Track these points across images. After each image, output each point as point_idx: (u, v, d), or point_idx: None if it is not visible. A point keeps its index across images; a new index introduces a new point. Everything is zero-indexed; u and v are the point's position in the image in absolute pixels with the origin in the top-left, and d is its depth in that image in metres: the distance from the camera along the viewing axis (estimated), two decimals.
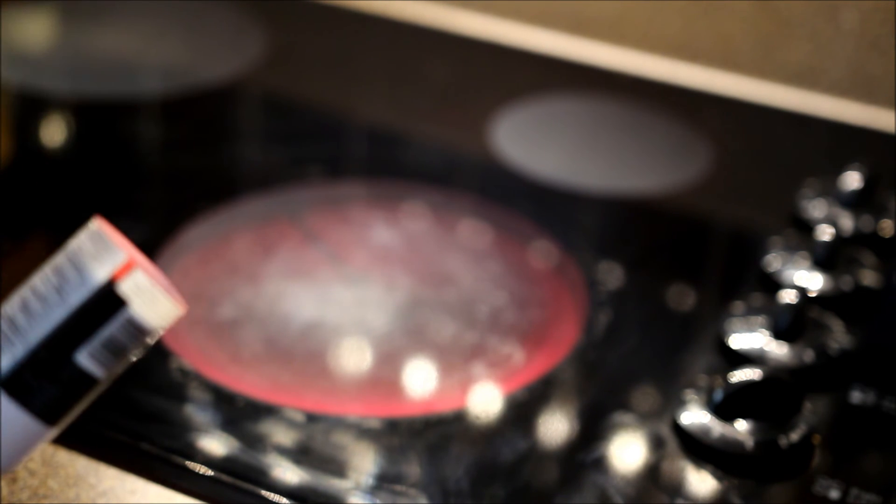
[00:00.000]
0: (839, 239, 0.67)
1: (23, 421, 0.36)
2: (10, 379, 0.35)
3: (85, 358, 0.36)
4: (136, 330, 0.37)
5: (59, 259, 0.36)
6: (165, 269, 0.67)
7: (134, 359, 0.37)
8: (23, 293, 0.36)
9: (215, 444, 0.56)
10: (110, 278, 0.36)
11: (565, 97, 0.89)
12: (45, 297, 0.36)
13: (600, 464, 0.55)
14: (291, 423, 0.57)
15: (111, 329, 0.36)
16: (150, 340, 0.38)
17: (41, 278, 0.36)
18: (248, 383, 0.59)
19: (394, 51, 0.94)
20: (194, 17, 0.97)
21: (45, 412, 0.37)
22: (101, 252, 0.36)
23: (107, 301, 0.36)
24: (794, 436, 0.56)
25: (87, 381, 0.37)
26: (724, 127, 0.86)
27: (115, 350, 0.37)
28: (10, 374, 0.35)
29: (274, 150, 0.82)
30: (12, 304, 0.36)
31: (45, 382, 0.36)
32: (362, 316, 0.66)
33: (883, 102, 0.87)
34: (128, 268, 0.36)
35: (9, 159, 0.79)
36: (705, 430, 0.56)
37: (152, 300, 0.36)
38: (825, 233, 0.67)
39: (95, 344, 0.36)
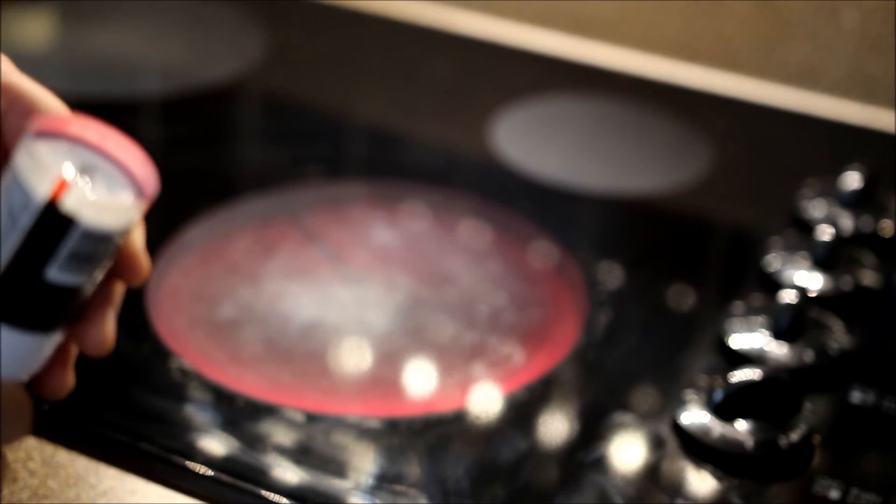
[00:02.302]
0: (839, 239, 0.67)
1: (19, 338, 0.36)
2: None
3: (56, 274, 0.36)
4: (99, 237, 0.36)
5: (6, 178, 0.35)
6: (165, 270, 0.67)
7: (114, 251, 0.37)
8: None
9: (215, 444, 0.56)
10: (50, 198, 0.35)
11: (565, 97, 0.89)
12: (1, 222, 0.35)
13: (600, 464, 0.55)
14: (291, 423, 0.57)
15: (70, 244, 0.35)
16: (121, 237, 0.37)
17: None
18: (248, 383, 0.59)
19: (394, 51, 0.94)
20: (194, 17, 0.97)
21: (38, 325, 0.37)
22: (38, 168, 0.35)
23: (55, 221, 0.35)
24: (794, 436, 0.56)
25: (69, 289, 0.36)
26: (724, 127, 0.86)
27: (84, 259, 0.36)
28: None
29: (274, 150, 0.82)
30: None
31: (25, 303, 0.36)
32: (362, 316, 0.66)
33: (883, 102, 0.87)
34: (65, 185, 0.34)
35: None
36: (705, 430, 0.56)
37: (105, 206, 0.35)
38: (825, 233, 0.67)
39: (61, 260, 0.36)
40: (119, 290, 0.43)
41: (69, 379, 0.44)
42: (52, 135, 0.36)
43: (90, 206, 0.35)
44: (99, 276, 0.37)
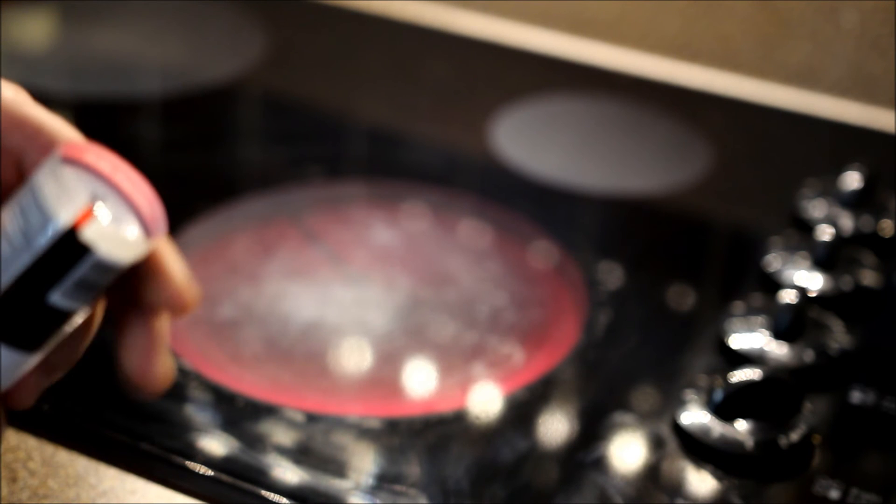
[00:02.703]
0: (839, 239, 0.67)
1: (5, 355, 0.37)
2: None
3: (58, 298, 0.36)
4: (106, 269, 0.37)
5: (25, 197, 0.36)
6: None
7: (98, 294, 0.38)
8: None
9: (215, 444, 0.56)
10: (72, 225, 0.35)
11: (565, 97, 0.89)
12: (12, 240, 0.35)
13: (600, 464, 0.55)
14: (291, 423, 0.57)
15: (80, 272, 0.36)
16: (124, 270, 0.38)
17: (9, 218, 0.36)
18: (248, 383, 0.59)
19: (394, 51, 0.94)
20: (194, 17, 0.97)
21: (26, 345, 0.37)
22: (63, 193, 0.35)
23: (71, 248, 0.35)
24: (794, 436, 0.56)
25: (65, 315, 0.37)
26: (724, 127, 0.86)
27: (88, 287, 0.37)
28: None
29: (274, 150, 0.82)
30: None
31: (20, 322, 0.36)
32: (362, 316, 0.66)
33: (883, 102, 0.87)
34: (89, 214, 0.35)
35: None
36: (705, 430, 0.56)
37: (118, 240, 0.36)
38: (825, 233, 0.67)
39: (67, 285, 0.36)
40: (165, 326, 0.43)
41: (35, 393, 0.43)
42: (73, 161, 0.37)
43: (107, 237, 0.36)
44: (94, 303, 0.38)
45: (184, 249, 0.68)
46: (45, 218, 0.35)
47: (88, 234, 0.36)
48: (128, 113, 0.83)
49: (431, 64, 0.93)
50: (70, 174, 0.36)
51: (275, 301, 0.66)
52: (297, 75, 0.91)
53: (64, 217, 0.35)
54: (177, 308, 0.42)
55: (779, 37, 0.90)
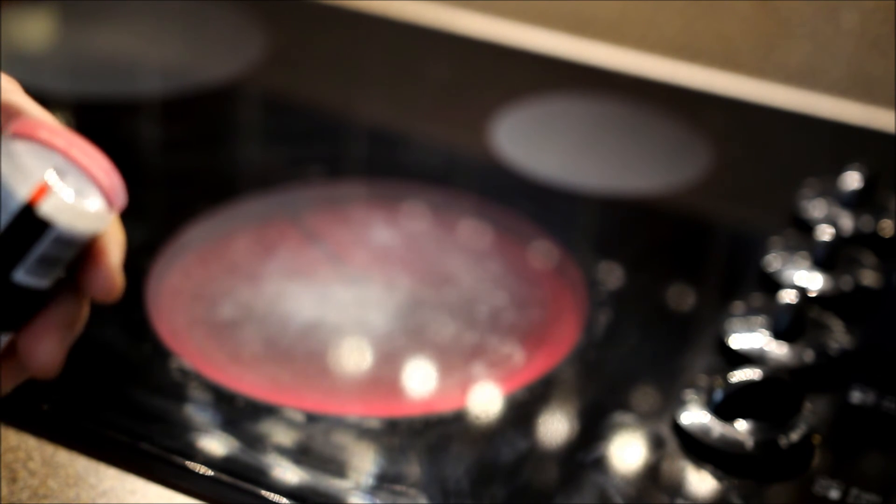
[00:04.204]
0: (839, 239, 0.67)
1: None
2: None
3: (22, 275, 0.36)
4: (69, 242, 0.37)
5: None
6: (165, 270, 0.67)
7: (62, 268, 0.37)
8: None
9: (215, 444, 0.56)
10: (28, 202, 0.35)
11: (565, 97, 0.89)
12: None
13: (600, 464, 0.55)
14: (291, 423, 0.57)
15: (42, 248, 0.36)
16: (88, 242, 0.38)
17: None
18: (248, 383, 0.59)
19: (394, 51, 0.94)
20: (194, 17, 0.97)
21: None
22: (18, 170, 0.35)
23: (31, 224, 0.35)
24: (794, 436, 0.56)
25: (30, 292, 0.37)
26: (724, 127, 0.86)
27: (51, 262, 0.37)
28: None
29: (274, 150, 0.82)
30: None
31: None
32: (362, 316, 0.66)
33: (883, 102, 0.87)
34: (46, 189, 0.35)
35: None
36: (705, 430, 0.56)
37: (79, 212, 0.36)
38: (825, 233, 0.67)
39: (30, 262, 0.36)
40: (84, 312, 0.42)
41: (11, 382, 0.43)
42: (26, 138, 0.36)
43: (66, 211, 0.35)
44: (57, 279, 0.38)
45: (184, 249, 0.69)
46: (2, 196, 0.35)
47: (47, 208, 0.35)
48: (128, 113, 0.83)
49: (431, 64, 0.93)
50: (24, 150, 0.36)
51: (275, 301, 0.66)
52: (297, 75, 0.91)
53: (21, 193, 0.35)
54: (101, 293, 0.41)
55: (779, 37, 0.90)
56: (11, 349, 0.41)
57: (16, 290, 0.36)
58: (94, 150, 0.37)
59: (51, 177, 0.36)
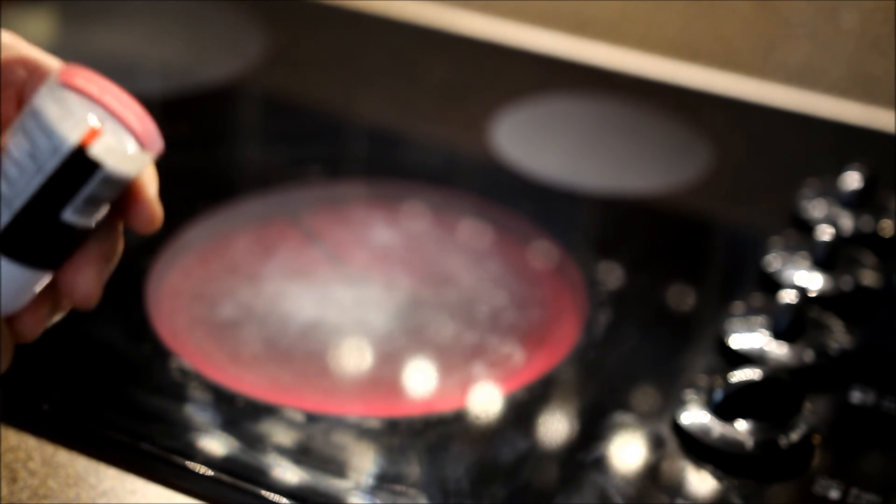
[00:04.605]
0: (839, 239, 0.67)
1: (20, 273, 0.39)
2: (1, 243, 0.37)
3: (70, 215, 0.38)
4: (114, 182, 0.39)
5: (28, 121, 0.38)
6: (165, 269, 0.67)
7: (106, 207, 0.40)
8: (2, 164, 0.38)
9: (215, 444, 0.56)
10: (81, 143, 0.37)
11: (565, 97, 0.89)
12: (21, 165, 0.37)
13: (600, 464, 0.55)
14: (291, 423, 0.57)
15: (90, 188, 0.38)
16: (128, 184, 0.40)
17: (14, 143, 0.37)
18: (248, 383, 0.59)
19: (394, 51, 0.94)
20: (194, 17, 0.97)
21: (42, 262, 0.39)
22: (68, 114, 0.37)
23: (81, 165, 0.37)
24: (794, 436, 0.56)
25: (77, 231, 0.39)
26: (724, 127, 0.86)
27: (96, 202, 0.39)
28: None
29: (274, 150, 0.82)
30: None
31: (36, 241, 0.38)
32: (362, 316, 0.66)
33: (883, 102, 0.87)
34: (95, 132, 0.37)
35: None
36: (705, 430, 0.56)
37: (124, 154, 0.38)
38: (825, 233, 0.67)
39: (78, 203, 0.38)
40: (119, 247, 0.43)
41: (43, 322, 0.44)
42: (68, 85, 0.39)
43: (113, 153, 0.38)
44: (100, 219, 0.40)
45: (184, 249, 0.69)
46: (54, 139, 0.37)
47: (96, 150, 0.37)
48: None
49: (431, 64, 0.93)
50: (71, 96, 0.38)
51: (275, 301, 0.66)
52: (297, 75, 0.91)
53: (73, 136, 0.37)
54: (145, 224, 0.43)
55: (779, 37, 0.90)
56: (48, 287, 0.42)
57: (63, 229, 0.38)
58: (127, 97, 0.39)
59: (96, 120, 0.38)
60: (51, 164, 0.37)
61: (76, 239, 0.40)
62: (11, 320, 0.42)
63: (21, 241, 0.38)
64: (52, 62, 0.43)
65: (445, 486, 0.53)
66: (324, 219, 0.74)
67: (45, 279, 0.41)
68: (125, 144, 0.38)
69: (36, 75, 0.43)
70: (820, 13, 0.88)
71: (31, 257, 0.39)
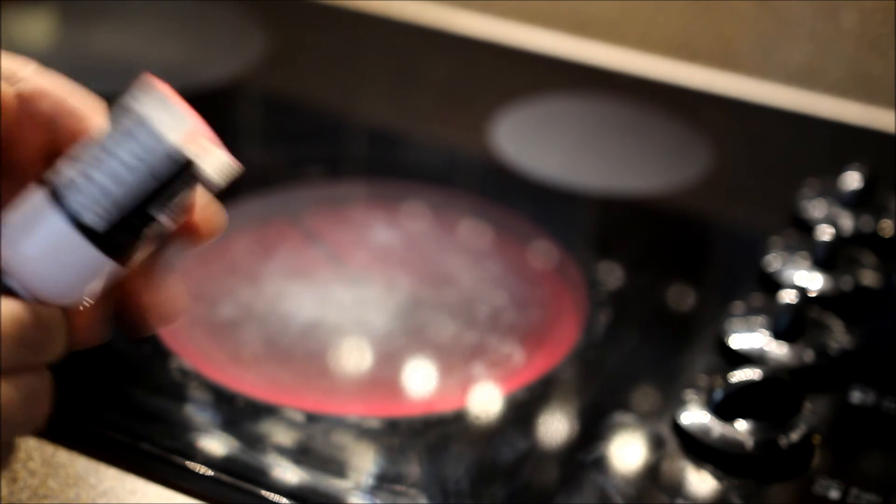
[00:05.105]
0: (839, 239, 0.67)
1: (99, 261, 0.40)
2: (99, 232, 0.39)
3: (159, 212, 0.40)
4: (203, 186, 0.42)
5: (127, 121, 0.40)
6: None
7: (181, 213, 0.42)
8: (96, 154, 0.40)
9: (215, 444, 0.56)
10: (182, 145, 0.40)
11: (565, 97, 0.89)
12: (123, 160, 0.39)
13: (600, 464, 0.55)
14: (291, 423, 0.57)
15: (182, 189, 0.41)
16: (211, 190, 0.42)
17: (113, 141, 0.40)
18: (248, 383, 0.59)
19: (394, 51, 0.94)
20: (194, 17, 0.97)
21: (122, 253, 0.41)
22: (169, 117, 0.40)
23: (181, 164, 0.40)
24: (794, 436, 0.56)
25: (160, 229, 0.41)
26: (724, 127, 0.86)
27: (182, 206, 0.41)
28: (97, 227, 0.39)
29: (274, 150, 0.82)
30: (89, 164, 0.40)
31: (125, 232, 0.40)
32: (362, 316, 0.66)
33: (883, 102, 0.87)
34: (195, 133, 0.41)
35: None
36: (705, 430, 0.56)
37: (216, 159, 0.42)
38: (825, 233, 0.67)
39: (169, 202, 0.40)
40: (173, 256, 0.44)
41: (97, 332, 0.44)
42: (160, 93, 0.42)
43: (209, 155, 0.41)
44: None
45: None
46: (157, 139, 0.39)
47: (195, 151, 0.40)
48: None
49: (431, 64, 0.93)
50: (166, 102, 0.41)
51: (275, 301, 0.66)
52: (297, 75, 0.91)
53: (175, 137, 0.40)
54: (213, 230, 0.44)
55: (779, 37, 0.90)
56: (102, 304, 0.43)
57: (149, 225, 0.40)
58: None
59: (195, 123, 0.41)
60: (153, 161, 0.39)
61: (152, 238, 0.41)
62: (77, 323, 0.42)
63: (113, 235, 0.40)
64: (79, 94, 0.44)
65: (445, 486, 0.53)
66: (324, 219, 0.74)
67: (115, 274, 0.41)
68: (215, 154, 0.42)
69: (63, 107, 0.43)
70: (820, 13, 0.88)
71: (117, 250, 0.40)
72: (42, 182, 0.41)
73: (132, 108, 0.40)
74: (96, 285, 0.41)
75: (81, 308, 0.42)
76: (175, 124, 0.40)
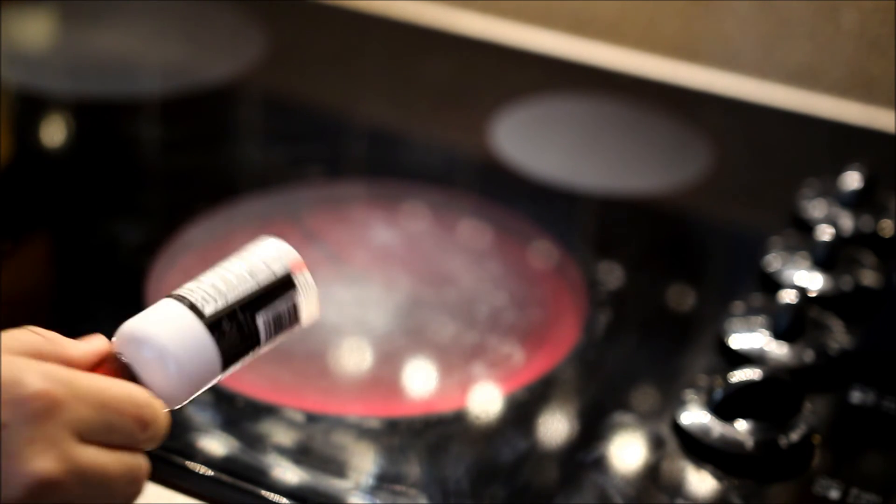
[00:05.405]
0: (839, 239, 0.67)
1: (212, 356, 0.45)
2: (212, 321, 0.45)
3: (261, 320, 0.46)
4: (294, 313, 0.48)
5: (245, 255, 0.48)
6: (165, 270, 0.67)
7: (279, 339, 0.48)
8: (219, 273, 0.47)
9: (215, 444, 0.56)
10: (290, 269, 0.48)
11: (565, 97, 0.89)
12: (240, 275, 0.47)
13: (600, 464, 0.55)
14: (291, 423, 0.57)
15: (281, 304, 0.47)
16: (293, 331, 0.48)
17: (233, 265, 0.47)
18: (248, 383, 0.59)
19: (394, 51, 0.94)
20: (194, 17, 0.97)
21: (226, 352, 0.46)
22: (280, 253, 0.48)
23: (284, 284, 0.47)
24: (794, 436, 0.56)
25: (255, 338, 0.46)
26: (724, 127, 0.86)
27: (278, 323, 0.47)
28: (212, 318, 0.45)
29: (274, 150, 0.82)
30: (212, 278, 0.47)
31: (233, 329, 0.46)
32: (362, 316, 0.66)
33: (883, 102, 0.87)
34: (301, 266, 0.48)
35: (9, 159, 0.79)
36: (705, 430, 0.56)
37: (309, 295, 0.48)
38: (825, 233, 0.67)
39: (269, 312, 0.47)
40: None
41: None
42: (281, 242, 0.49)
43: (306, 288, 0.48)
44: (263, 347, 0.48)
45: (184, 249, 0.69)
46: (270, 264, 0.48)
47: (298, 279, 0.48)
48: (128, 113, 0.83)
49: (431, 64, 0.93)
50: (283, 244, 0.49)
51: None
52: (297, 75, 0.91)
53: (284, 263, 0.48)
54: None
55: (779, 37, 0.90)
56: None
57: (251, 330, 0.46)
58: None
59: (299, 261, 0.48)
60: (264, 278, 0.47)
61: (252, 349, 0.47)
62: None
63: (224, 326, 0.46)
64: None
65: (445, 486, 0.53)
66: (324, 219, 0.74)
67: (218, 377, 0.46)
68: (313, 290, 0.49)
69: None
70: (820, 13, 0.88)
71: (224, 343, 0.46)
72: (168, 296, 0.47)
73: (252, 245, 0.49)
74: (205, 385, 0.46)
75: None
76: (286, 256, 0.48)
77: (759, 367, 0.57)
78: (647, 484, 0.55)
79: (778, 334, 0.61)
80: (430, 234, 0.74)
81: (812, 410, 0.57)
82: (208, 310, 0.46)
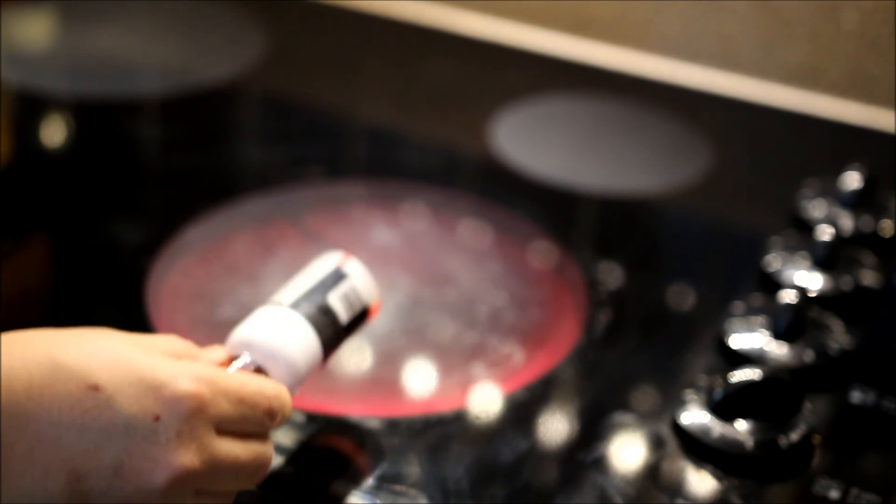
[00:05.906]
0: (839, 239, 0.67)
1: (315, 347, 0.53)
2: (308, 317, 0.53)
3: (332, 299, 0.54)
4: (356, 294, 0.55)
5: (305, 268, 0.56)
6: (165, 270, 0.67)
7: (359, 326, 0.56)
8: (293, 283, 0.55)
9: None
10: (339, 264, 0.56)
11: (565, 97, 0.89)
12: (304, 279, 0.55)
13: (600, 464, 0.55)
14: (291, 423, 0.57)
15: (343, 287, 0.55)
16: (362, 309, 0.56)
17: (299, 276, 0.56)
18: None
19: (394, 51, 0.94)
20: (194, 17, 0.97)
21: (320, 332, 0.53)
22: (329, 257, 0.56)
23: (337, 275, 0.55)
24: (794, 436, 0.56)
25: (336, 317, 0.54)
26: (724, 127, 0.86)
27: (347, 302, 0.55)
28: (307, 315, 0.53)
29: (274, 150, 0.82)
30: (290, 288, 0.55)
31: (313, 309, 0.53)
32: None
33: (883, 102, 0.87)
34: (346, 258, 0.56)
35: (9, 159, 0.79)
36: (705, 430, 0.56)
37: (364, 279, 0.56)
38: (825, 233, 0.67)
39: (336, 293, 0.55)
40: None
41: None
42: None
43: (358, 274, 0.56)
44: (347, 332, 0.56)
45: (184, 249, 0.69)
46: (324, 266, 0.56)
47: (347, 268, 0.56)
48: (128, 113, 0.83)
49: (431, 64, 0.93)
50: (331, 252, 0.58)
51: None
52: (297, 75, 0.91)
53: (335, 262, 0.56)
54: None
55: (779, 37, 0.90)
56: None
57: (327, 311, 0.54)
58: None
59: (346, 259, 0.57)
60: (321, 274, 0.55)
61: (336, 331, 0.54)
62: None
63: (306, 308, 0.54)
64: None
65: (445, 486, 0.53)
66: (324, 219, 0.74)
67: (317, 363, 0.53)
68: (367, 275, 0.56)
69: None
70: (820, 13, 0.89)
71: (314, 324, 0.53)
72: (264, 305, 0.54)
73: (315, 261, 0.57)
74: (311, 369, 0.53)
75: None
76: (335, 259, 0.56)
77: (759, 367, 0.57)
78: (647, 484, 0.55)
79: (778, 334, 0.61)
80: (430, 234, 0.74)
81: (812, 410, 0.57)
82: (302, 310, 0.53)
